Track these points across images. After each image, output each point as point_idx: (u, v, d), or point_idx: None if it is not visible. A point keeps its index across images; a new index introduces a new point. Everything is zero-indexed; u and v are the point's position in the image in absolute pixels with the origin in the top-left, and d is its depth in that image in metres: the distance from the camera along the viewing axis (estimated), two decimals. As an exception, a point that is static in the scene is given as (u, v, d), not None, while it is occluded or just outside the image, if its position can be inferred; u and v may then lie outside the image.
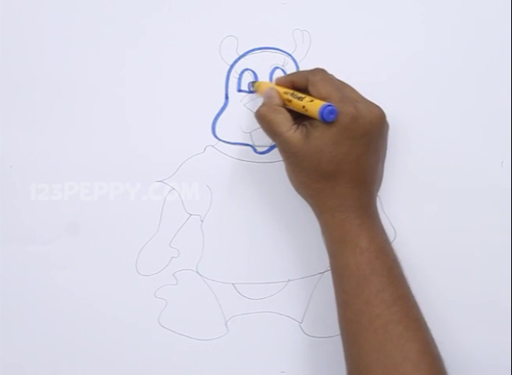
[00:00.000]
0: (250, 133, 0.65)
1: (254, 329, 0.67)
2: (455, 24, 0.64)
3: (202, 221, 0.66)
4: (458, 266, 0.65)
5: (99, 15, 0.64)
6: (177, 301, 0.67)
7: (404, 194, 0.65)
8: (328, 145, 0.57)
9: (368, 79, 0.63)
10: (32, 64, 0.65)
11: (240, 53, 0.65)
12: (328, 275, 0.62)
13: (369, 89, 0.61)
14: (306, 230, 0.65)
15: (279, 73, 0.65)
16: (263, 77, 0.65)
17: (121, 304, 0.67)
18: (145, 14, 0.64)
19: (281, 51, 0.65)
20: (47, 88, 0.65)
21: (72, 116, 0.65)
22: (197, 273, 0.67)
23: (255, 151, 0.66)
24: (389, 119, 0.61)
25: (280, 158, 0.63)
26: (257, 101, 0.64)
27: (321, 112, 0.56)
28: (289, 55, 0.65)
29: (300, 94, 0.59)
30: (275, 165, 0.65)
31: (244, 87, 0.65)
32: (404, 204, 0.65)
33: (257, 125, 0.62)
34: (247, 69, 0.65)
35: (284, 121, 0.59)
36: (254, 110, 0.61)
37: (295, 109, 0.59)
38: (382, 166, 0.64)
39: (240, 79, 0.65)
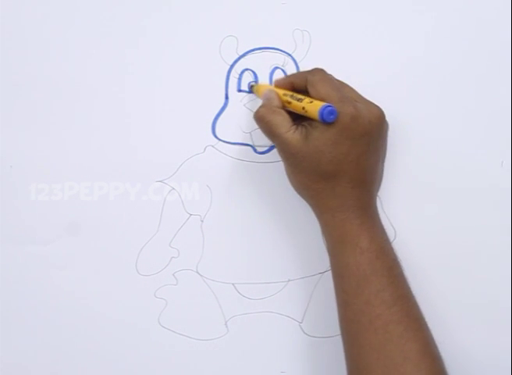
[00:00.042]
0: (250, 133, 0.65)
1: (254, 329, 0.67)
2: (455, 24, 0.64)
3: (202, 221, 0.66)
4: (458, 266, 0.65)
5: (99, 15, 0.64)
6: (177, 301, 0.67)
7: (404, 194, 0.65)
8: (327, 145, 0.57)
9: (367, 79, 0.63)
10: (32, 64, 0.65)
11: (240, 53, 0.65)
12: (329, 275, 0.62)
13: (369, 89, 0.61)
14: (306, 230, 0.65)
15: (279, 73, 0.65)
16: (263, 77, 0.65)
17: (121, 304, 0.67)
18: (145, 14, 0.64)
19: (281, 51, 0.65)
20: (47, 88, 0.65)
21: (72, 116, 0.65)
22: (197, 273, 0.67)
23: (255, 151, 0.66)
24: (388, 119, 0.61)
25: (280, 158, 0.63)
26: (257, 101, 0.64)
27: (321, 113, 0.56)
28: (289, 55, 0.65)
29: (299, 96, 0.59)
30: (275, 165, 0.65)
31: (244, 87, 0.65)
32: (404, 204, 0.65)
33: (256, 125, 0.62)
34: (247, 69, 0.65)
35: (283, 122, 0.59)
36: (254, 110, 0.61)
37: (295, 111, 0.59)
38: (382, 166, 0.64)
39: (240, 79, 0.65)
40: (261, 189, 0.66)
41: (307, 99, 0.58)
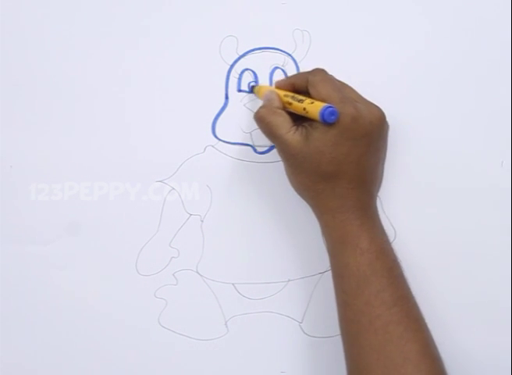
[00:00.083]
0: (250, 133, 0.65)
1: (254, 329, 0.67)
2: (455, 24, 0.64)
3: (202, 221, 0.66)
4: (458, 266, 0.65)
5: (99, 15, 0.64)
6: (177, 301, 0.67)
7: (404, 195, 0.65)
8: (328, 146, 0.57)
9: (367, 79, 0.63)
10: (32, 64, 0.64)
11: (240, 53, 0.65)
12: (329, 275, 0.62)
13: (369, 89, 0.61)
14: (306, 230, 0.65)
15: (279, 73, 0.65)
16: (263, 77, 0.65)
17: (121, 304, 0.67)
18: (145, 14, 0.64)
19: (281, 51, 0.65)
20: (47, 88, 0.65)
21: (72, 116, 0.65)
22: (197, 273, 0.67)
23: (255, 151, 0.66)
24: (388, 119, 0.61)
25: (280, 158, 0.63)
26: (257, 101, 0.64)
27: (322, 114, 0.56)
28: (289, 55, 0.65)
29: (300, 97, 0.59)
30: (275, 165, 0.65)
31: (244, 87, 0.65)
32: (404, 204, 0.65)
33: (257, 125, 0.62)
34: (247, 69, 0.65)
35: (283, 123, 0.59)
36: (254, 110, 0.61)
37: (295, 112, 0.59)
38: (382, 167, 0.64)
39: (240, 79, 0.65)
40: (261, 189, 0.66)
41: (308, 100, 0.58)
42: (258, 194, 0.66)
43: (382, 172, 0.64)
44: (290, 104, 0.60)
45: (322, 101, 0.57)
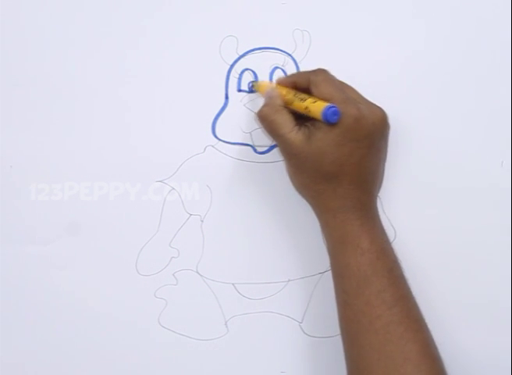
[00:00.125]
0: (250, 133, 0.65)
1: (254, 329, 0.67)
2: (455, 24, 0.64)
3: (202, 221, 0.66)
4: (458, 266, 0.65)
5: (99, 15, 0.64)
6: (177, 301, 0.67)
7: (404, 195, 0.65)
8: (330, 146, 0.57)
9: (367, 79, 0.63)
10: (32, 64, 0.64)
11: (240, 53, 0.65)
12: (329, 275, 0.62)
13: (369, 89, 0.61)
14: (306, 230, 0.65)
15: (279, 73, 0.65)
16: (263, 77, 0.65)
17: (121, 304, 0.66)
18: (145, 14, 0.64)
19: (281, 51, 0.65)
20: (47, 88, 0.65)
21: (72, 116, 0.65)
22: (197, 273, 0.67)
23: (255, 151, 0.66)
24: (389, 119, 0.61)
25: (280, 158, 0.63)
26: (258, 101, 0.64)
27: (325, 114, 0.56)
28: (289, 55, 0.65)
29: (302, 95, 0.59)
30: (275, 165, 0.65)
31: (244, 87, 0.65)
32: (404, 204, 0.65)
33: (257, 125, 0.62)
34: (247, 69, 0.65)
35: (286, 122, 0.59)
36: (255, 110, 0.61)
37: (297, 110, 0.59)
38: (383, 167, 0.64)
39: (240, 79, 0.65)
40: (261, 189, 0.66)
41: (311, 99, 0.58)
42: (258, 194, 0.66)
43: (383, 172, 0.64)
44: (292, 102, 0.59)
45: (324, 101, 0.57)
